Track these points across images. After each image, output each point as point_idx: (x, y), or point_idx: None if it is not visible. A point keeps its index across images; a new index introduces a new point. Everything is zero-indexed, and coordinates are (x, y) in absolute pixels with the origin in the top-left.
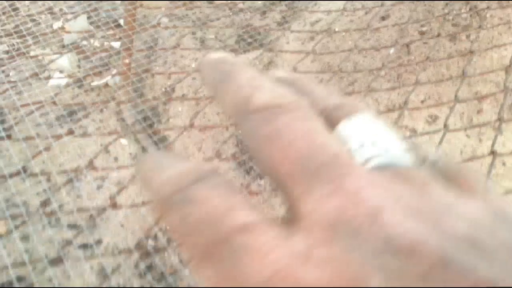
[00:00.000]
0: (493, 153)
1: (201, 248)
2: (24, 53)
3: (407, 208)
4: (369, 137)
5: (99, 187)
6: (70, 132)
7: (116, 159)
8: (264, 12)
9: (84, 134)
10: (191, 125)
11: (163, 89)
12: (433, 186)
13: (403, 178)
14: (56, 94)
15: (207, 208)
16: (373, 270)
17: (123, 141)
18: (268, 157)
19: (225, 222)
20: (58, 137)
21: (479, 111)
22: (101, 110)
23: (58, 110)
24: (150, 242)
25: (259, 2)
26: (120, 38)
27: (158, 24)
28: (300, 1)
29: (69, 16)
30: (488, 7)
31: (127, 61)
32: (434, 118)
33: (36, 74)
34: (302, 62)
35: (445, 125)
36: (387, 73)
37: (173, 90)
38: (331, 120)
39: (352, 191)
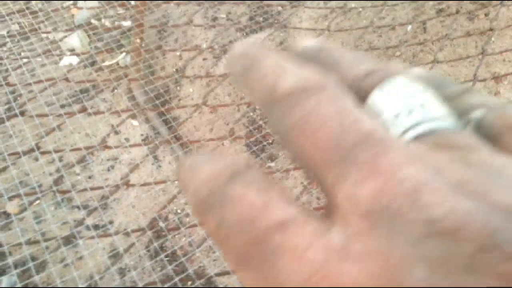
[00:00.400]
0: None
1: (239, 250)
2: (36, 31)
3: (450, 181)
4: (404, 104)
5: (110, 168)
6: (83, 109)
7: (127, 139)
8: None
9: (96, 113)
10: (204, 103)
11: (174, 69)
12: (479, 150)
13: (446, 145)
14: (68, 72)
15: (243, 207)
16: (415, 260)
17: (134, 122)
18: (298, 146)
19: (261, 220)
20: (71, 114)
21: (496, 94)
22: (113, 90)
23: (70, 89)
24: (161, 224)
25: None
26: (131, 17)
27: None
28: None
29: None
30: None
31: (138, 40)
32: None
33: (49, 51)
34: (316, 38)
35: None
36: (402, 53)
37: (184, 70)
38: (364, 91)
39: (388, 170)
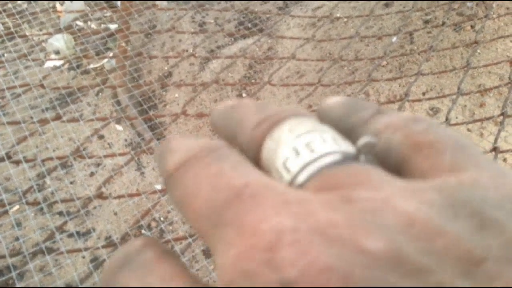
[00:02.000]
0: (495, 149)
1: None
2: (19, 34)
3: (316, 227)
4: (291, 147)
5: (92, 174)
6: (58, 117)
7: (110, 144)
8: None
9: (77, 119)
10: (183, 112)
11: (160, 74)
12: (363, 186)
13: (329, 185)
14: (47, 76)
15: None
16: None
17: (118, 126)
18: (187, 220)
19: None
20: (53, 118)
21: (481, 105)
22: (97, 94)
23: (53, 92)
24: (144, 232)
25: None
26: (118, 19)
27: (155, 5)
28: None
29: None
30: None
31: (123, 44)
32: (435, 111)
33: (34, 52)
34: (302, 48)
35: (447, 119)
36: (389, 63)
37: (170, 75)
38: (257, 142)
39: (252, 227)
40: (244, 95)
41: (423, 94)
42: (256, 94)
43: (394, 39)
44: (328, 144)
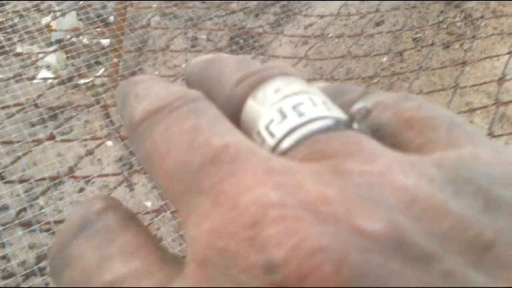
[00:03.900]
0: None
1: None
2: (9, 51)
3: (306, 202)
4: (276, 109)
5: (81, 189)
6: (51, 137)
7: (100, 161)
8: (257, 14)
9: (69, 136)
10: None
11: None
12: (358, 156)
13: (319, 153)
14: (40, 95)
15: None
16: None
17: (109, 142)
18: (153, 178)
19: (95, 280)
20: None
21: (470, 122)
22: (88, 110)
23: (44, 109)
24: None
25: (253, 3)
26: (110, 35)
27: (148, 24)
28: (294, 4)
29: (58, 13)
30: (482, 17)
31: (115, 60)
32: None
33: (19, 75)
34: (294, 67)
35: None
36: (379, 81)
37: None
38: (238, 101)
39: (231, 197)
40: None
41: None
42: None
43: (385, 59)
44: (319, 108)
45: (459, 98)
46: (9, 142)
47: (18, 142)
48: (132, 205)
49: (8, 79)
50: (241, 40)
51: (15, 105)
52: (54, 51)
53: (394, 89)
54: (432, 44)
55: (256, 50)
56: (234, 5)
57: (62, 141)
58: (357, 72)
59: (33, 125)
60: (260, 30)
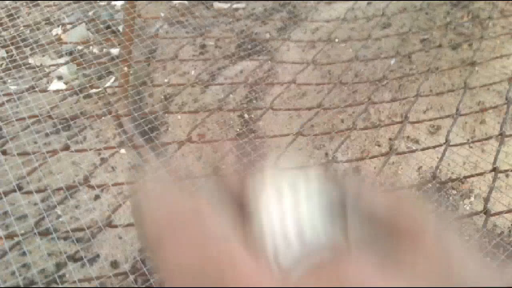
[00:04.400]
0: (494, 169)
1: None
2: (21, 64)
3: None
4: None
5: (97, 197)
6: (66, 147)
7: (114, 168)
8: (264, 20)
9: (82, 146)
10: (189, 139)
11: (162, 96)
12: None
13: (318, 273)
14: (54, 106)
15: None
16: None
17: (122, 150)
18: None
19: None
20: (61, 149)
21: (481, 122)
22: (101, 120)
23: (57, 116)
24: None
25: (260, 9)
26: (119, 44)
27: (157, 35)
28: (301, 9)
29: (68, 26)
30: (489, 17)
31: (125, 70)
32: (436, 128)
33: (32, 87)
34: (302, 71)
35: (447, 140)
36: (388, 82)
37: (172, 97)
38: None
39: None
40: (246, 116)
41: (424, 112)
42: (259, 118)
43: (393, 61)
44: (321, 227)
45: (469, 97)
46: (26, 154)
47: (34, 153)
48: None
49: (22, 92)
50: (249, 46)
51: (29, 117)
52: (65, 62)
53: (403, 91)
54: (440, 44)
55: (264, 56)
56: (241, 12)
57: (77, 151)
58: (366, 74)
59: (47, 135)
60: (267, 36)
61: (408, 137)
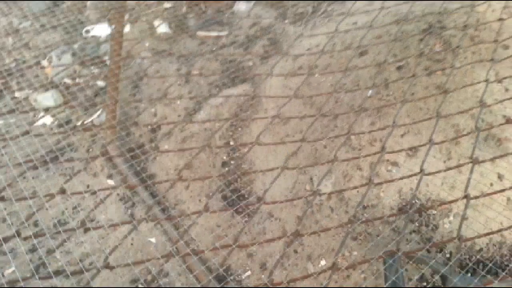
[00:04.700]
0: (466, 196)
1: None
2: (6, 96)
3: None
4: None
5: (87, 230)
6: (63, 191)
7: (103, 200)
8: (247, 47)
9: (81, 192)
10: (179, 179)
11: (149, 127)
12: None
13: None
14: (42, 138)
15: None
16: None
17: (110, 181)
18: None
19: None
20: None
21: (456, 143)
22: (88, 150)
23: (45, 149)
24: (140, 286)
25: (242, 36)
26: (105, 76)
27: (143, 69)
28: (282, 37)
29: (53, 57)
30: (460, 43)
31: (112, 101)
32: (414, 151)
33: (23, 112)
34: (286, 95)
35: (421, 170)
36: (368, 108)
37: (159, 127)
38: None
39: None
40: (231, 143)
41: (402, 136)
42: (245, 149)
43: (370, 92)
44: None
45: (444, 120)
46: (24, 198)
47: (32, 198)
48: (137, 241)
49: (9, 126)
50: (233, 74)
51: (25, 162)
52: (52, 96)
53: (382, 116)
54: (415, 70)
55: (248, 83)
56: (224, 40)
57: (72, 194)
58: (346, 101)
59: (36, 167)
60: (251, 63)
61: (388, 160)
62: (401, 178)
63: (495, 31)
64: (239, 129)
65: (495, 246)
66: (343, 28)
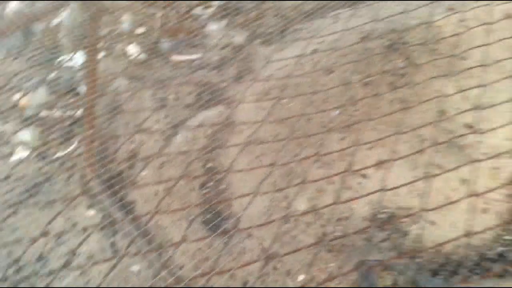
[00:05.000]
0: (423, 209)
1: None
2: None
3: None
4: None
5: (68, 264)
6: (46, 233)
7: (85, 229)
8: (220, 69)
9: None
10: (157, 212)
11: (127, 154)
12: None
13: None
14: (15, 168)
15: None
16: None
17: (91, 211)
18: None
19: None
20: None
21: (421, 153)
22: (67, 179)
23: (24, 184)
24: None
25: (215, 58)
26: (80, 106)
27: (117, 93)
28: (254, 57)
29: (28, 90)
30: (421, 58)
31: (89, 131)
32: (382, 162)
33: None
34: (259, 114)
35: (382, 188)
36: (337, 124)
37: (137, 154)
38: None
39: None
40: (209, 165)
41: (370, 149)
42: (222, 175)
43: (337, 112)
44: None
45: (411, 132)
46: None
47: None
48: (119, 271)
49: None
50: (207, 96)
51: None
52: (28, 128)
53: (350, 131)
54: (379, 86)
55: (222, 104)
56: (197, 63)
57: (55, 236)
58: (316, 119)
59: (16, 203)
60: (224, 84)
61: (358, 172)
62: (361, 197)
63: (453, 44)
64: (217, 150)
65: (460, 247)
66: (311, 48)
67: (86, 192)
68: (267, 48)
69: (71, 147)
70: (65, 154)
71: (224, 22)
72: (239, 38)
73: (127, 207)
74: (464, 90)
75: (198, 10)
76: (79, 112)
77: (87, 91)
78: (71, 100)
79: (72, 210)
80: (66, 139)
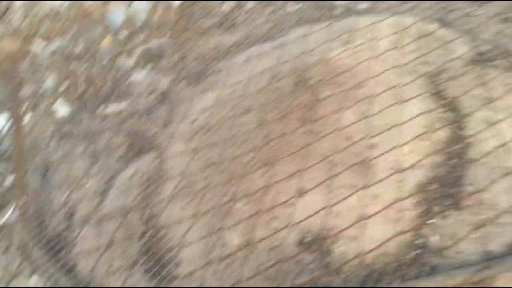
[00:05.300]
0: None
1: None
2: None
3: None
4: None
5: None
6: None
7: None
8: (148, 116)
9: None
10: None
11: (63, 216)
12: None
13: None
14: None
15: None
16: None
17: (35, 277)
18: None
19: None
20: None
21: (335, 176)
22: (5, 250)
23: None
24: None
25: (142, 106)
26: (11, 172)
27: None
28: (178, 101)
29: None
30: (322, 94)
31: (23, 197)
32: (301, 191)
33: None
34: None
35: (307, 213)
36: (257, 162)
37: (73, 213)
38: None
39: None
40: (145, 216)
41: (289, 180)
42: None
43: (251, 154)
44: None
45: (321, 159)
46: None
47: None
48: None
49: None
50: (138, 145)
51: None
52: None
53: (270, 167)
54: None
55: (153, 151)
56: (125, 112)
57: None
58: (238, 158)
59: None
60: (154, 130)
61: (285, 202)
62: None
63: (350, 76)
64: (152, 196)
65: (380, 257)
66: (228, 90)
67: (27, 259)
68: (192, 90)
69: (6, 215)
70: (0, 225)
71: (148, 67)
72: (164, 82)
73: (69, 268)
74: (366, 118)
75: (121, 60)
76: (10, 179)
77: (15, 157)
78: (1, 167)
79: (14, 279)
80: (0, 207)
